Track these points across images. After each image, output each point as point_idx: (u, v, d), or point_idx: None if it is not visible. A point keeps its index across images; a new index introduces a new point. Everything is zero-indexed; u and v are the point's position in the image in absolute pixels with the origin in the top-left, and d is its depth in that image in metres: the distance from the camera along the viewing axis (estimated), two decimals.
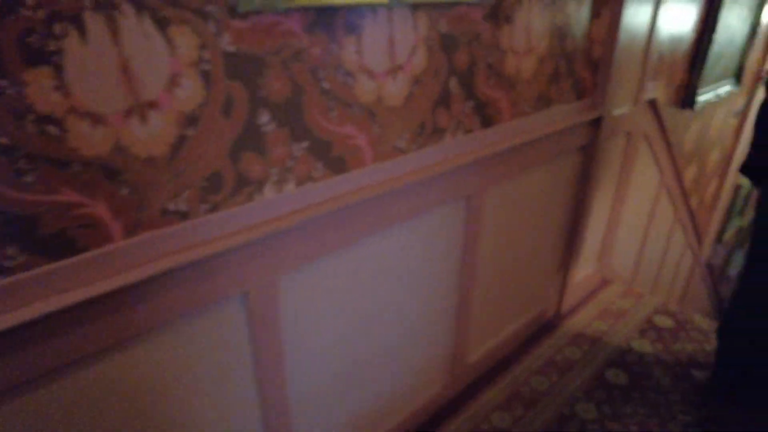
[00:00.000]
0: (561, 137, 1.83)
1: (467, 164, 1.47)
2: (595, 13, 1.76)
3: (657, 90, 2.45)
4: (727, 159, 4.20)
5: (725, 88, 3.27)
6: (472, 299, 1.78)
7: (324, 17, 1.02)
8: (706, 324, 2.39)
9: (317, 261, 1.22)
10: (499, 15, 1.38)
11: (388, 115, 1.22)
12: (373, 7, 1.09)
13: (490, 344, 2.03)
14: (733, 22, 2.98)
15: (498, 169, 1.61)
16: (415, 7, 1.16)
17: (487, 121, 1.50)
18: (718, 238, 5.02)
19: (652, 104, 2.36)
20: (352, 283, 1.33)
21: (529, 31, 1.50)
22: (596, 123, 1.97)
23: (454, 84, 1.34)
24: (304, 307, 1.24)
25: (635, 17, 1.92)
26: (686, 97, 2.83)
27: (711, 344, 2.24)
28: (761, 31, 3.42)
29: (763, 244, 1.82)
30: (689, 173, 3.57)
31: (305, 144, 1.08)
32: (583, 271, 2.48)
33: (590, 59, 1.84)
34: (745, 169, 1.81)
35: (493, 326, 2.01)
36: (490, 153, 1.52)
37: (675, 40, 2.51)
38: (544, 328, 2.30)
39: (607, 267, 2.70)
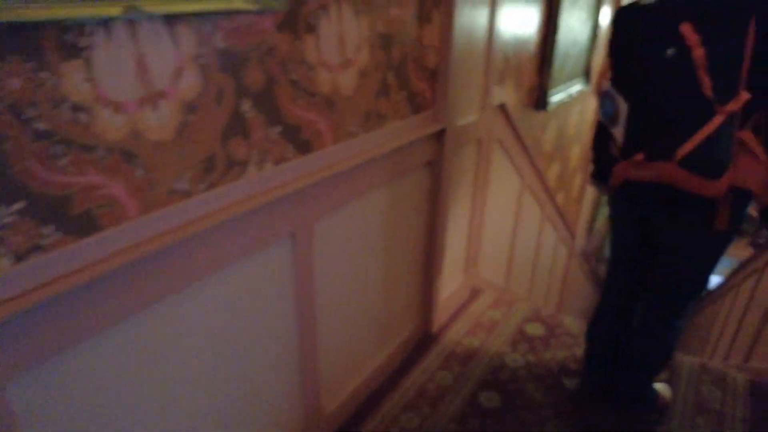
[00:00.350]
0: (401, 155, 1.68)
1: (284, 198, 1.26)
2: (425, 18, 1.63)
3: (505, 94, 2.42)
4: (587, 153, 4.40)
5: (576, 88, 3.38)
6: (319, 344, 1.57)
7: (20, 38, 0.75)
8: (575, 327, 2.38)
9: (64, 353, 0.94)
10: (297, 24, 1.18)
11: (154, 152, 0.97)
12: (104, 23, 0.84)
13: (353, 385, 1.83)
14: (574, 24, 3.06)
15: (328, 199, 1.42)
16: (171, 21, 0.93)
17: (304, 147, 1.30)
18: (590, 228, 5.28)
19: (502, 109, 2.31)
20: (136, 368, 1.06)
21: (343, 42, 1.33)
22: (441, 135, 1.85)
23: (248, 108, 1.12)
24: (62, 413, 0.95)
25: (471, 20, 1.82)
26: (538, 99, 2.86)
27: (581, 348, 2.22)
28: (601, 32, 3.58)
29: (614, 254, 1.81)
30: (553, 171, 3.66)
31: (20, 205, 0.80)
32: (451, 285, 2.38)
33: (425, 69, 1.71)
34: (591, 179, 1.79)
35: (353, 364, 1.82)
36: (313, 182, 1.32)
37: (519, 43, 2.49)
38: (414, 353, 2.16)
39: (476, 276, 2.63)
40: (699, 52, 1.26)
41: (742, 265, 3.47)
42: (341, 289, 1.61)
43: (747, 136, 1.28)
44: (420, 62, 1.67)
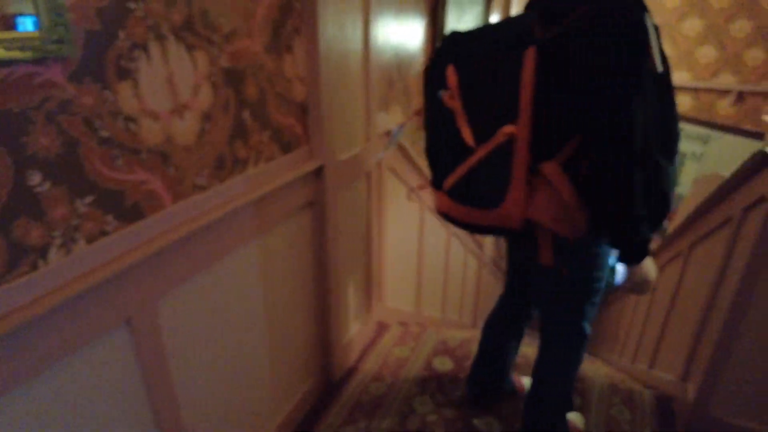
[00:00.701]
0: (273, 200, 1.48)
1: (108, 281, 1.02)
2: (284, 47, 1.44)
3: (393, 119, 2.29)
4: None
5: None
6: None
7: None
8: None
9: None
10: (104, 71, 0.95)
11: None
12: None
13: None
14: None
15: (176, 269, 1.19)
16: None
17: (132, 214, 1.07)
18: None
19: (390, 136, 2.17)
20: None
21: (174, 84, 1.11)
22: (320, 173, 1.67)
23: (38, 181, 0.88)
24: None
25: (341, 45, 1.66)
26: None
27: None
28: None
29: None
30: None
31: None
32: (354, 325, 2.21)
33: (293, 103, 1.53)
34: None
35: None
36: (150, 254, 1.09)
37: (404, 63, 2.37)
38: (315, 409, 1.96)
39: (381, 310, 2.48)
40: (449, 94, 1.28)
41: None
42: (212, 364, 1.38)
43: (550, 169, 1.19)
44: (284, 96, 1.48)
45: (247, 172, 1.38)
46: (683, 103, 5.67)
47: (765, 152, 1.45)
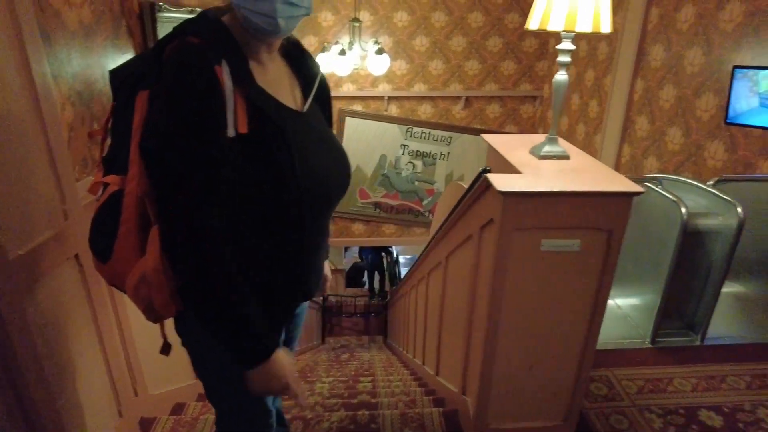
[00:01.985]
0: None
1: None
2: None
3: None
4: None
5: None
6: None
7: None
8: None
9: None
10: None
11: None
12: None
13: None
14: None
15: None
16: None
17: None
18: None
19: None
20: None
21: None
22: None
23: None
24: None
25: None
26: None
27: None
28: None
29: None
30: None
31: None
32: None
33: None
34: None
35: None
36: None
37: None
38: None
39: (144, 403, 2.05)
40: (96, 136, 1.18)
41: (412, 269, 3.70)
42: None
43: (152, 233, 1.01)
44: None
45: None
46: (426, 111, 6.23)
47: (486, 177, 1.50)
